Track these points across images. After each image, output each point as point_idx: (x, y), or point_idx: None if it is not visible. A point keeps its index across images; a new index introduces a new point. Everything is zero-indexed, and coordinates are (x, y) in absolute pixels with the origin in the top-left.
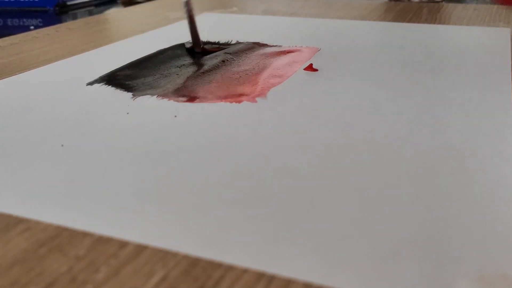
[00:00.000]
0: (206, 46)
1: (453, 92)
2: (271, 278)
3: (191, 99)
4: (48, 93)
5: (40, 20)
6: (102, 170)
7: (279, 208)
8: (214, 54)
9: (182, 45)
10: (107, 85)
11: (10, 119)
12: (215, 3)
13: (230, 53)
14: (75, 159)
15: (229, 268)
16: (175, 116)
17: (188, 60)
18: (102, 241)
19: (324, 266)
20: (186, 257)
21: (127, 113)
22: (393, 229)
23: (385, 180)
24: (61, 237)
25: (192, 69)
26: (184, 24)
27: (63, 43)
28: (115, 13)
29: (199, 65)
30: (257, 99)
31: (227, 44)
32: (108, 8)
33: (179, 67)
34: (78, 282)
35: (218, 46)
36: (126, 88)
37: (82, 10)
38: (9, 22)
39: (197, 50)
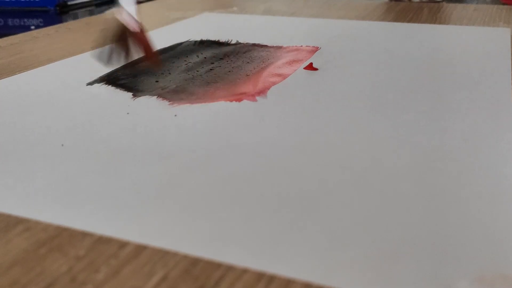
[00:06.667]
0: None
1: (453, 92)
2: (271, 278)
3: (191, 100)
4: (48, 93)
5: (40, 20)
6: (102, 170)
7: (279, 208)
8: (212, 55)
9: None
10: (107, 85)
11: (10, 119)
12: (215, 3)
13: (228, 56)
14: (75, 159)
15: (229, 268)
16: (175, 115)
17: (189, 60)
18: (102, 241)
19: (324, 266)
20: (186, 257)
21: (127, 113)
22: (393, 229)
23: (385, 180)
24: (61, 237)
25: (192, 70)
26: (184, 24)
27: (63, 43)
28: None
29: (200, 66)
30: (257, 97)
31: (227, 44)
32: (108, 8)
33: (180, 67)
34: (78, 282)
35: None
36: (126, 88)
37: (82, 10)
38: (9, 22)
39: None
